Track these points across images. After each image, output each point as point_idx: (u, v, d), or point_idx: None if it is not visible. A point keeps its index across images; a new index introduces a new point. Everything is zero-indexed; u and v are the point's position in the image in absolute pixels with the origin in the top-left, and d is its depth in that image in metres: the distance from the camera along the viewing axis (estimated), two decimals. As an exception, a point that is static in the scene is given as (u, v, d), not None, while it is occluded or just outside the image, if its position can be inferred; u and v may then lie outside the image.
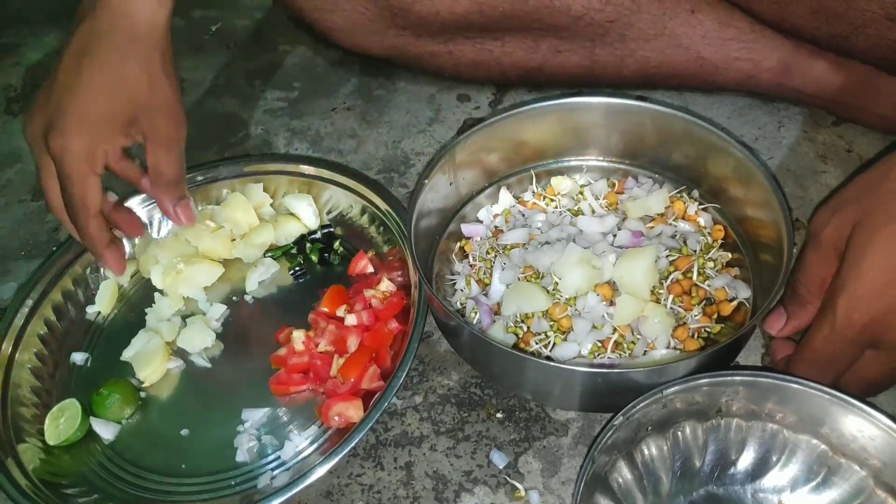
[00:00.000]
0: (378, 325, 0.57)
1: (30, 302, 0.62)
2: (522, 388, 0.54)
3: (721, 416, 0.48)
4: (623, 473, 0.47)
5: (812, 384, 0.45)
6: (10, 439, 0.56)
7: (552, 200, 0.64)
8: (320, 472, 0.49)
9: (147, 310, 0.64)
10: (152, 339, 0.61)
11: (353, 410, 0.53)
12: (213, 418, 0.57)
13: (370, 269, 0.63)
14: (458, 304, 0.60)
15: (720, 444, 0.49)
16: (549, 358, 0.53)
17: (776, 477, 0.48)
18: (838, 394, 0.45)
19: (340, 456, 0.50)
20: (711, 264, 0.58)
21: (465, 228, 0.64)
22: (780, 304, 0.53)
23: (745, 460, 0.49)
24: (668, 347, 0.53)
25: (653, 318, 0.53)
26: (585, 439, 0.53)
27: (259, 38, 0.95)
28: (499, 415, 0.55)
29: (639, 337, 0.54)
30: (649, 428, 0.47)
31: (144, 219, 0.69)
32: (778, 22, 0.67)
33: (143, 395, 0.59)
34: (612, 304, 0.55)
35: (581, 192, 0.64)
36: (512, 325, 0.55)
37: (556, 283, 0.55)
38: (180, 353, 0.61)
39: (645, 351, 0.53)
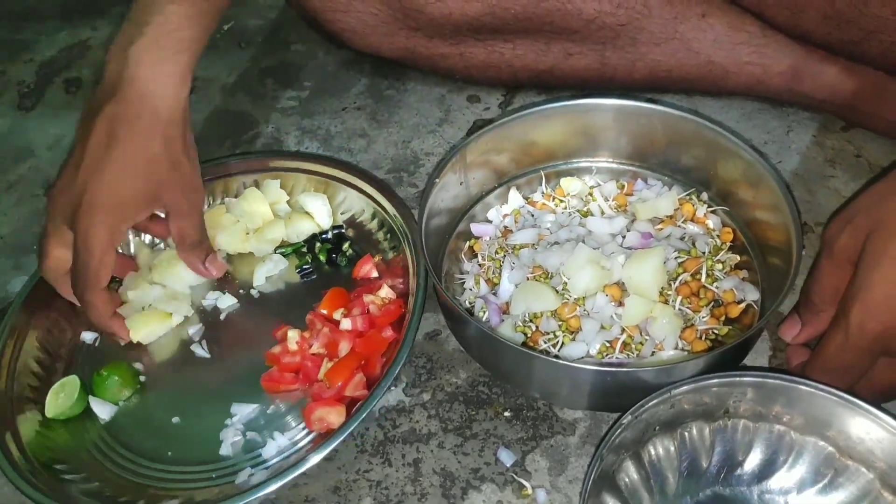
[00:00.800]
0: (372, 332, 0.58)
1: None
2: (531, 387, 0.54)
3: (728, 416, 0.49)
4: (630, 473, 0.47)
5: (820, 386, 0.45)
6: (11, 411, 0.57)
7: (561, 201, 0.64)
8: (293, 475, 0.50)
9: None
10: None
11: (334, 416, 0.53)
12: (204, 409, 0.58)
13: (374, 274, 0.63)
14: (467, 302, 0.60)
15: (727, 445, 0.49)
16: (557, 357, 0.53)
17: (783, 478, 0.48)
18: (846, 396, 0.45)
19: (312, 462, 0.50)
20: (720, 266, 0.58)
21: (475, 228, 0.64)
22: (795, 312, 0.53)
23: (752, 461, 0.49)
24: (675, 348, 0.53)
25: (661, 319, 0.53)
26: (593, 439, 0.53)
27: (271, 38, 0.96)
28: (506, 413, 0.55)
29: (647, 338, 0.54)
30: (657, 428, 0.47)
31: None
32: (789, 27, 0.67)
33: (142, 379, 0.60)
34: (620, 304, 0.55)
35: (590, 194, 0.64)
36: (521, 324, 0.56)
37: (565, 283, 0.56)
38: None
39: (653, 352, 0.54)
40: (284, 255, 0.67)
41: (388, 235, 0.66)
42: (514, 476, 0.52)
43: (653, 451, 0.48)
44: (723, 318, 0.56)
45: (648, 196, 0.63)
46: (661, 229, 0.60)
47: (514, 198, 0.66)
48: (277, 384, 0.57)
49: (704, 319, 0.55)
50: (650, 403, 0.45)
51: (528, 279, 0.57)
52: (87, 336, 0.64)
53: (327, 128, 0.81)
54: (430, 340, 0.60)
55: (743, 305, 0.56)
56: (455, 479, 0.52)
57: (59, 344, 0.63)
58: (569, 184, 0.65)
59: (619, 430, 0.45)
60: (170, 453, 0.56)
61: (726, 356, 0.50)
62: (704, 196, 0.63)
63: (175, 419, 0.58)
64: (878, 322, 0.44)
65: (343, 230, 0.68)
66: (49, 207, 0.59)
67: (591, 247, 0.57)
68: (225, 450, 0.55)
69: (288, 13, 0.99)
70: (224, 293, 0.65)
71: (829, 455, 0.47)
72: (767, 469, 0.49)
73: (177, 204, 0.59)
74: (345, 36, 0.79)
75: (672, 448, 0.48)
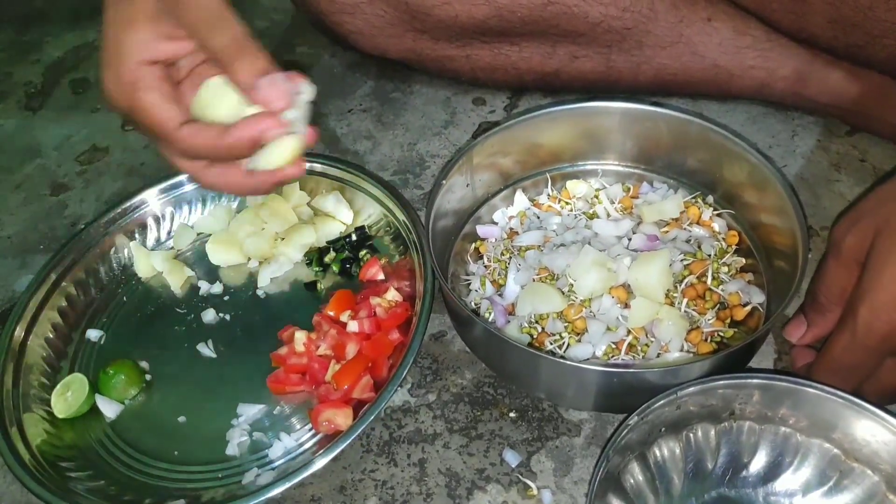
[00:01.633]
0: (379, 335, 0.58)
1: (53, 276, 0.65)
2: (536, 387, 0.54)
3: (734, 418, 0.49)
4: (635, 474, 0.47)
5: (827, 388, 0.46)
6: (18, 409, 0.57)
7: (567, 203, 0.65)
8: (301, 476, 0.50)
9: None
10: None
11: (341, 418, 0.53)
12: (210, 409, 0.58)
13: (381, 277, 0.64)
14: (473, 303, 0.60)
15: (732, 447, 0.49)
16: (563, 358, 0.54)
17: (788, 480, 0.48)
18: (852, 398, 0.45)
19: (320, 464, 0.50)
20: (725, 269, 0.58)
21: (481, 230, 0.65)
22: (801, 312, 0.53)
23: (758, 463, 0.49)
24: (681, 350, 0.54)
25: (667, 321, 0.53)
26: (598, 440, 0.53)
27: (276, 40, 0.96)
28: (512, 414, 0.55)
29: (653, 339, 0.54)
30: (662, 429, 0.48)
31: (159, 212, 0.71)
32: (794, 31, 0.68)
33: (148, 377, 0.61)
34: (626, 306, 0.55)
35: (596, 196, 0.64)
36: (526, 325, 0.56)
37: (571, 285, 0.56)
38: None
39: (658, 353, 0.54)
40: (308, 265, 0.66)
41: (395, 238, 0.66)
42: (520, 476, 0.52)
43: (658, 453, 0.48)
44: (728, 321, 0.56)
45: (654, 199, 0.63)
46: (667, 232, 0.60)
47: (520, 200, 0.66)
48: (283, 385, 0.57)
49: (710, 322, 0.55)
50: (656, 405, 0.45)
51: (534, 281, 0.57)
52: (93, 334, 0.64)
53: (333, 130, 0.82)
54: (435, 341, 0.61)
55: (748, 308, 0.56)
56: (460, 480, 0.52)
57: (64, 342, 0.63)
58: (575, 186, 0.65)
59: (625, 432, 0.45)
60: (176, 453, 0.56)
61: (732, 358, 0.50)
62: (710, 199, 0.63)
63: (181, 418, 0.58)
64: (885, 322, 0.44)
65: (366, 230, 0.68)
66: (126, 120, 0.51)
67: (596, 249, 0.57)
68: (231, 450, 0.55)
69: (292, 15, 0.99)
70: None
71: (834, 457, 0.47)
72: (773, 471, 0.49)
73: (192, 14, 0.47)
74: (351, 38, 0.79)
75: (678, 449, 0.48)
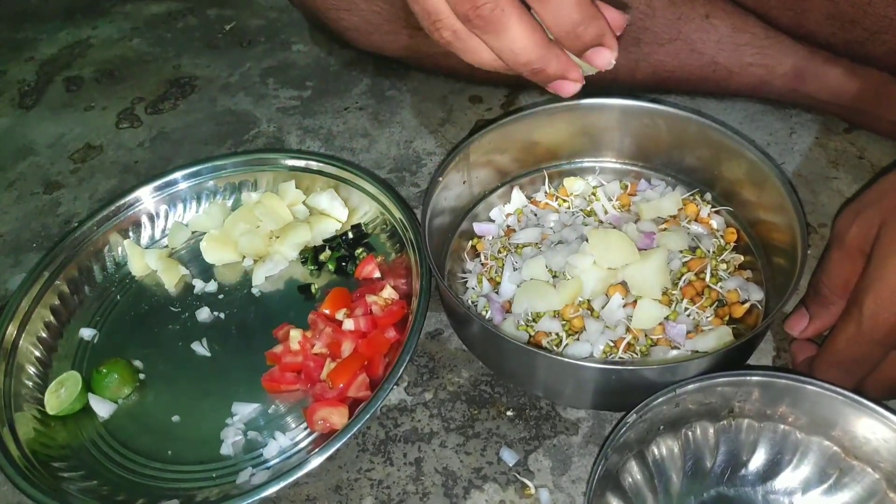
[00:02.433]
0: (375, 333, 0.57)
1: (46, 274, 0.64)
2: (534, 385, 0.54)
3: (733, 416, 0.48)
4: (634, 473, 0.47)
5: (827, 385, 0.45)
6: (9, 408, 0.57)
7: (565, 201, 0.64)
8: (296, 475, 0.49)
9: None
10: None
11: (336, 417, 0.53)
12: (204, 408, 0.57)
13: (377, 274, 0.63)
14: (470, 301, 0.59)
15: (731, 445, 0.49)
16: (560, 356, 0.53)
17: (787, 478, 0.48)
18: (852, 395, 0.45)
19: (315, 464, 0.50)
20: (724, 266, 0.58)
21: (478, 227, 0.64)
22: (803, 305, 0.53)
23: (757, 461, 0.49)
24: (681, 348, 0.53)
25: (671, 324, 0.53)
26: (596, 438, 0.53)
27: (273, 38, 0.96)
28: (509, 413, 0.55)
29: (652, 339, 0.54)
30: (661, 427, 0.47)
31: (153, 210, 0.70)
32: (793, 27, 0.67)
33: (141, 376, 0.60)
34: (628, 305, 0.55)
35: (594, 193, 0.64)
36: (523, 323, 0.55)
37: (571, 280, 0.55)
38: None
39: (654, 344, 0.53)
40: (304, 263, 0.66)
41: (391, 236, 0.66)
42: (517, 476, 0.51)
43: (657, 451, 0.48)
44: (727, 318, 0.56)
45: (652, 196, 0.63)
46: (665, 229, 0.60)
47: (517, 197, 0.65)
48: (278, 384, 0.57)
49: (709, 319, 0.55)
50: (655, 403, 0.45)
51: (530, 279, 0.57)
52: (86, 332, 0.63)
53: (329, 127, 0.81)
54: (432, 340, 0.60)
55: (747, 305, 0.56)
56: (457, 479, 0.52)
57: (56, 340, 0.63)
58: (572, 183, 0.65)
59: (623, 430, 0.44)
60: (169, 452, 0.55)
61: (731, 355, 0.49)
62: (708, 196, 0.63)
63: (175, 418, 0.57)
64: (892, 313, 0.44)
65: (362, 228, 0.67)
66: None
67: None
68: (225, 449, 0.54)
69: (290, 13, 0.99)
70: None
71: (834, 455, 0.47)
72: (772, 469, 0.48)
73: None
74: (348, 34, 0.79)
75: (676, 448, 0.48)
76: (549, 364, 0.49)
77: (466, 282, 0.61)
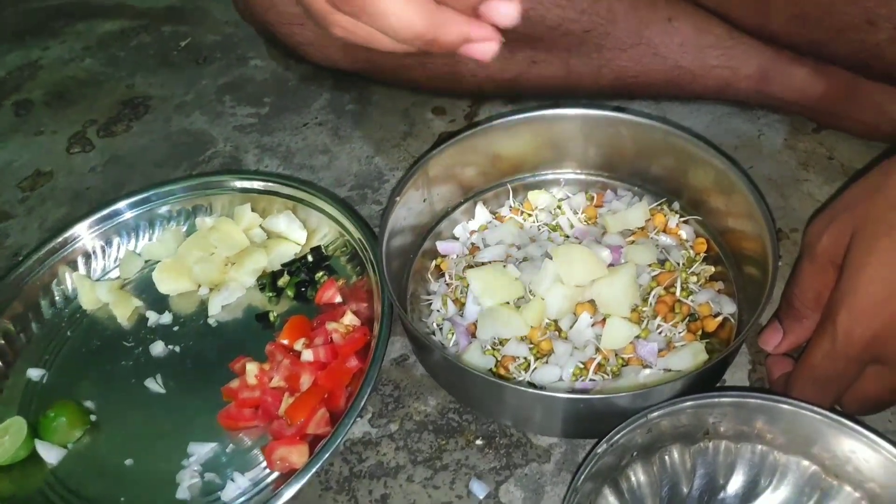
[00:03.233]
0: (336, 363, 0.55)
1: None
2: (502, 415, 0.51)
3: (709, 438, 0.46)
4: (609, 502, 0.45)
5: (803, 404, 0.43)
6: None
7: (529, 215, 0.62)
8: None
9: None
10: None
11: (296, 456, 0.50)
12: (159, 449, 0.54)
13: (338, 299, 0.60)
14: (435, 324, 0.57)
15: (708, 468, 0.47)
16: (530, 383, 0.51)
17: (767, 500, 0.46)
18: (829, 413, 0.43)
19: None
20: (694, 279, 0.56)
21: (441, 246, 0.62)
22: (776, 319, 0.51)
23: (735, 484, 0.47)
24: (653, 367, 0.51)
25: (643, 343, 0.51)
26: (569, 465, 0.51)
27: (229, 53, 0.93)
28: (478, 441, 0.52)
29: (622, 358, 0.52)
30: (634, 453, 0.45)
31: (103, 240, 0.67)
32: (757, 28, 0.66)
33: (93, 418, 0.57)
34: (598, 324, 0.53)
35: (559, 207, 0.62)
36: (489, 347, 0.53)
37: (533, 301, 0.53)
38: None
39: (624, 365, 0.51)
40: (262, 290, 0.63)
41: (352, 258, 0.63)
42: (488, 509, 0.49)
43: (632, 478, 0.46)
44: (699, 333, 0.54)
45: (619, 207, 0.61)
46: (633, 242, 0.58)
47: (481, 213, 0.63)
48: (236, 421, 0.54)
49: (681, 335, 0.53)
50: (626, 430, 0.43)
51: (493, 302, 0.54)
52: (34, 373, 0.60)
53: (288, 145, 0.78)
54: (397, 366, 0.58)
55: (720, 319, 0.54)
56: (425, 515, 0.49)
57: (2, 382, 0.60)
58: (536, 197, 0.63)
59: (594, 461, 0.42)
60: (123, 498, 0.52)
61: (704, 375, 0.47)
62: (676, 206, 0.61)
63: (128, 461, 0.54)
64: (866, 327, 0.42)
65: (321, 250, 0.64)
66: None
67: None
68: (182, 493, 0.52)
69: (246, 27, 0.96)
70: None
71: (814, 474, 0.45)
72: (751, 491, 0.46)
73: None
74: (303, 49, 0.76)
75: (652, 474, 0.46)
76: (515, 395, 0.47)
77: (431, 304, 0.59)
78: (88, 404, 0.58)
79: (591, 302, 0.53)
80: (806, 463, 0.45)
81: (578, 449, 0.52)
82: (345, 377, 0.54)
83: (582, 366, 0.51)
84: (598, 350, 0.52)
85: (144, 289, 0.65)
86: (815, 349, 0.45)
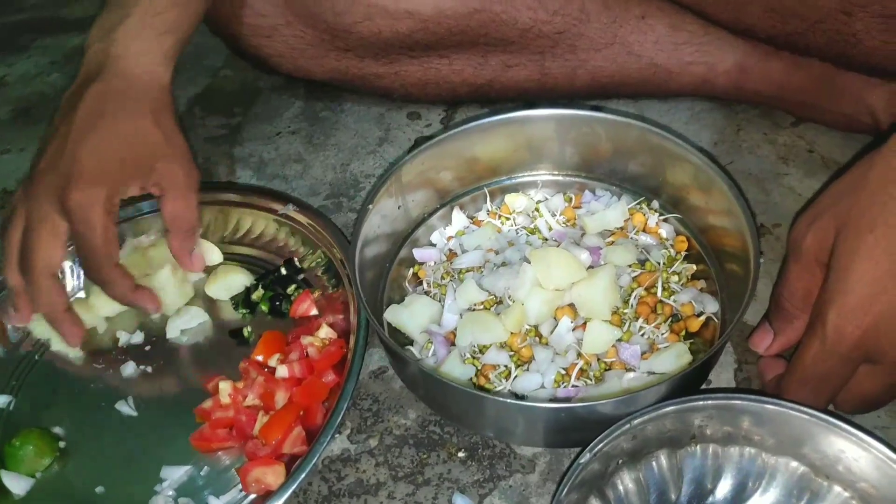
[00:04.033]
0: (311, 379, 0.53)
1: None
2: (483, 427, 0.50)
3: (696, 442, 0.45)
4: (595, 511, 0.43)
5: (788, 404, 0.42)
6: None
7: (507, 219, 0.61)
8: None
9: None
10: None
11: (271, 477, 0.48)
12: (131, 475, 0.52)
13: (314, 311, 0.58)
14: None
15: (696, 473, 0.45)
16: (511, 391, 0.49)
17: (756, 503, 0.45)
18: (817, 413, 0.42)
19: None
20: (676, 278, 0.55)
21: (418, 253, 0.60)
22: (766, 321, 0.50)
23: (724, 488, 0.45)
24: (637, 371, 0.50)
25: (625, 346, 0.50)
26: (554, 475, 0.49)
27: (198, 63, 0.91)
28: (461, 454, 0.51)
29: (605, 363, 0.50)
30: (620, 461, 0.44)
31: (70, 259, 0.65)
32: (732, 23, 0.65)
33: (62, 444, 0.55)
34: (578, 328, 0.51)
35: (537, 209, 0.61)
36: (469, 356, 0.52)
37: (513, 307, 0.52)
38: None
39: (607, 369, 0.50)
40: (236, 308, 0.61)
41: (327, 269, 0.62)
42: (472, 524, 0.48)
43: (619, 486, 0.44)
44: (683, 333, 0.53)
45: (597, 208, 0.60)
46: (612, 242, 0.56)
47: (458, 218, 0.62)
48: (209, 443, 0.52)
49: (664, 336, 0.52)
50: (609, 438, 0.42)
51: (473, 308, 0.53)
52: (0, 399, 0.58)
53: (260, 155, 0.77)
54: (375, 379, 0.56)
55: (703, 318, 0.53)
56: (408, 533, 0.48)
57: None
58: (514, 200, 0.61)
59: (577, 471, 0.41)
60: (94, 528, 0.50)
61: (688, 378, 0.46)
62: (655, 204, 0.60)
63: (99, 489, 0.52)
64: (856, 327, 0.41)
65: (294, 262, 0.62)
66: (30, 190, 0.54)
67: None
68: (155, 519, 0.50)
69: (214, 38, 0.94)
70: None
71: (804, 475, 0.44)
72: (740, 494, 0.45)
73: (172, 176, 0.55)
74: (272, 61, 0.75)
75: (639, 481, 0.44)
76: (495, 406, 0.45)
77: (408, 313, 0.57)
78: (57, 430, 0.56)
79: (571, 306, 0.52)
80: (795, 464, 0.44)
81: (563, 458, 0.50)
82: (321, 393, 0.53)
83: (564, 372, 0.50)
84: (579, 355, 0.50)
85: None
86: (806, 350, 0.44)
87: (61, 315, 0.57)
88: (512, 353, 0.51)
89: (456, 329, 0.53)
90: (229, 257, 0.65)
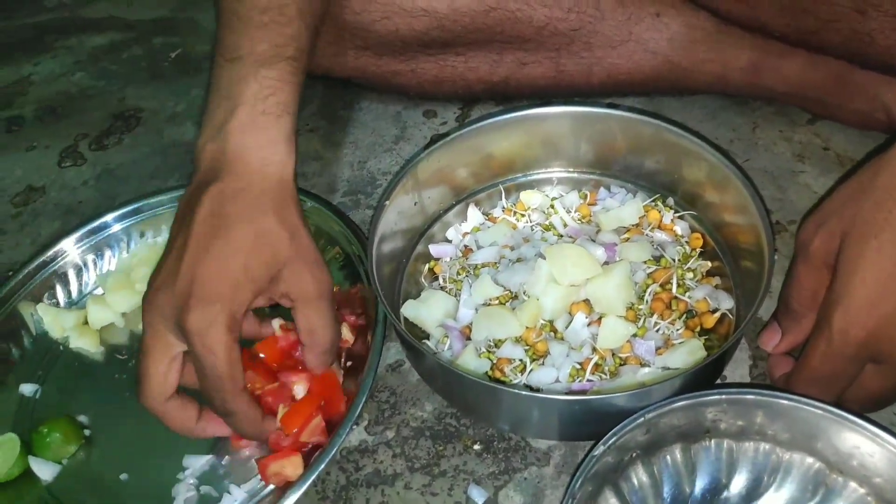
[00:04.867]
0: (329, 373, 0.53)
1: None
2: (498, 420, 0.51)
3: (709, 436, 0.45)
4: (610, 504, 0.44)
5: (802, 399, 0.43)
6: None
7: (523, 216, 0.61)
8: None
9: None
10: None
11: (290, 469, 0.49)
12: (154, 463, 0.54)
13: None
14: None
15: (711, 468, 0.46)
16: (527, 385, 0.50)
17: (772, 499, 0.45)
18: (830, 408, 0.42)
19: None
20: (691, 275, 0.55)
21: (434, 249, 0.61)
22: (774, 320, 0.51)
23: (738, 483, 0.46)
24: (651, 366, 0.50)
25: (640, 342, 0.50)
26: (569, 468, 0.50)
27: (219, 63, 0.93)
28: (476, 446, 0.52)
29: (620, 358, 0.51)
30: (634, 454, 0.44)
31: (79, 262, 0.67)
32: (746, 21, 0.65)
33: (87, 432, 0.56)
34: (593, 323, 0.52)
35: (552, 206, 0.61)
36: (484, 350, 0.52)
37: (528, 302, 0.52)
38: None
39: (623, 363, 0.50)
40: None
41: (345, 265, 0.63)
42: (487, 515, 0.48)
43: (634, 479, 0.45)
44: (698, 329, 0.53)
45: (612, 205, 0.60)
46: (628, 239, 0.57)
47: (474, 215, 0.62)
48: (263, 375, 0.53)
49: (679, 332, 0.52)
50: (622, 431, 0.42)
51: (488, 303, 0.54)
52: (27, 388, 0.59)
53: (279, 153, 0.78)
54: (392, 372, 0.57)
55: (718, 314, 0.53)
56: (424, 523, 0.48)
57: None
58: (529, 197, 0.62)
59: (591, 464, 0.41)
60: (119, 514, 0.52)
61: (704, 372, 0.47)
62: (670, 201, 0.60)
63: (123, 476, 0.53)
64: (861, 328, 0.42)
65: None
66: (146, 317, 0.48)
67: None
68: (178, 507, 0.51)
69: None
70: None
71: (819, 471, 0.44)
72: (755, 490, 0.46)
73: (302, 286, 0.48)
74: (291, 58, 0.76)
75: (653, 474, 0.45)
76: (510, 399, 0.46)
77: (425, 308, 0.58)
78: (82, 419, 0.57)
79: (587, 301, 0.53)
80: (810, 460, 0.44)
81: (578, 451, 0.51)
82: (338, 384, 0.53)
83: (579, 366, 0.50)
84: (594, 350, 0.51)
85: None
86: (813, 351, 0.44)
87: (261, 429, 0.50)
88: (527, 347, 0.52)
89: (472, 324, 0.54)
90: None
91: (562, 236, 0.59)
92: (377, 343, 0.53)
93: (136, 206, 0.68)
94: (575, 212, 0.60)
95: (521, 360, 0.51)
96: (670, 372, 0.49)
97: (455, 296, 0.57)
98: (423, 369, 0.54)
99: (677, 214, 0.59)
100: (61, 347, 0.62)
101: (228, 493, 0.51)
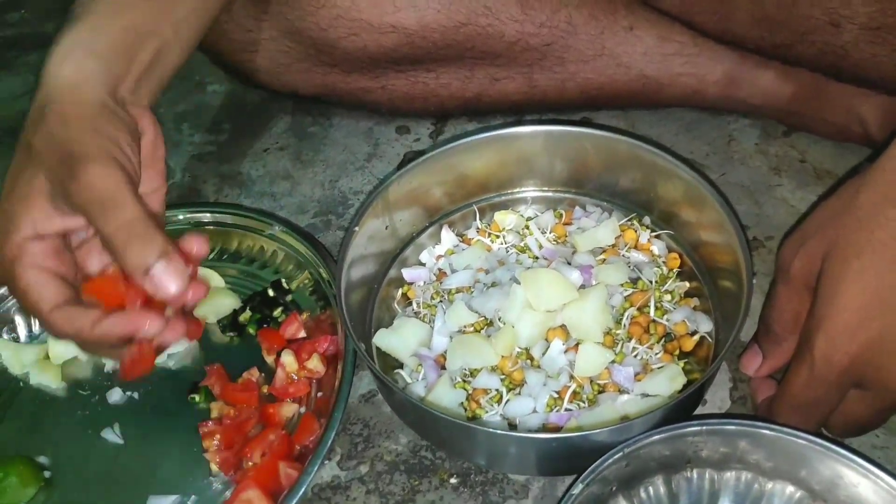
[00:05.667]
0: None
1: None
2: (474, 456, 0.49)
3: (691, 466, 0.44)
4: (590, 540, 0.43)
5: (783, 429, 0.41)
6: None
7: (497, 237, 0.60)
8: None
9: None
10: None
11: None
12: None
13: (302, 334, 0.57)
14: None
15: (693, 498, 0.45)
16: (505, 417, 0.49)
17: (755, 529, 0.44)
18: (813, 438, 0.41)
19: None
20: (669, 297, 0.54)
21: (407, 273, 0.59)
22: (755, 342, 0.50)
23: (721, 513, 0.45)
24: (630, 393, 0.49)
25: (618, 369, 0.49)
26: (548, 500, 0.48)
27: (186, 79, 0.90)
28: (453, 480, 0.50)
29: (598, 385, 0.49)
30: (614, 488, 0.43)
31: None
32: (720, 33, 0.65)
33: (47, 474, 0.54)
34: (570, 350, 0.51)
35: (527, 227, 0.60)
36: (460, 379, 0.51)
37: (504, 329, 0.51)
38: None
39: (601, 391, 0.49)
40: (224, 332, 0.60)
41: (315, 290, 0.61)
42: (465, 553, 0.47)
43: (614, 513, 0.43)
44: (677, 353, 0.52)
45: (588, 224, 0.59)
46: (604, 260, 0.56)
47: (447, 237, 0.61)
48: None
49: (658, 356, 0.51)
50: (602, 467, 0.41)
51: (463, 330, 0.52)
52: None
53: (248, 172, 0.76)
54: (366, 403, 0.55)
55: (696, 337, 0.52)
56: (399, 563, 0.47)
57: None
58: (503, 217, 0.60)
59: (570, 502, 0.40)
60: (78, 564, 0.49)
61: (684, 403, 0.45)
62: (647, 220, 0.59)
63: (85, 520, 0.51)
64: (844, 353, 0.41)
65: (282, 284, 0.61)
66: None
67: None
68: (141, 554, 0.49)
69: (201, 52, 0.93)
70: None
71: (800, 500, 0.43)
72: (738, 520, 0.45)
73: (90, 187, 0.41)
74: (259, 77, 0.74)
75: (633, 508, 0.44)
76: (485, 437, 0.44)
77: (398, 335, 0.56)
78: (42, 460, 0.55)
79: (563, 327, 0.51)
80: (792, 488, 0.43)
81: (558, 483, 0.49)
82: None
83: (556, 395, 0.49)
84: (572, 378, 0.49)
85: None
86: (795, 376, 0.43)
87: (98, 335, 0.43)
88: (503, 376, 0.50)
89: (446, 352, 0.52)
90: (216, 279, 0.64)
91: (537, 258, 0.57)
92: (348, 374, 0.52)
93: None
94: (550, 232, 0.59)
95: (497, 391, 0.50)
96: (651, 404, 0.48)
97: (429, 322, 0.55)
98: (394, 403, 0.52)
99: (654, 234, 0.58)
100: (21, 384, 0.60)
101: (195, 534, 0.49)
